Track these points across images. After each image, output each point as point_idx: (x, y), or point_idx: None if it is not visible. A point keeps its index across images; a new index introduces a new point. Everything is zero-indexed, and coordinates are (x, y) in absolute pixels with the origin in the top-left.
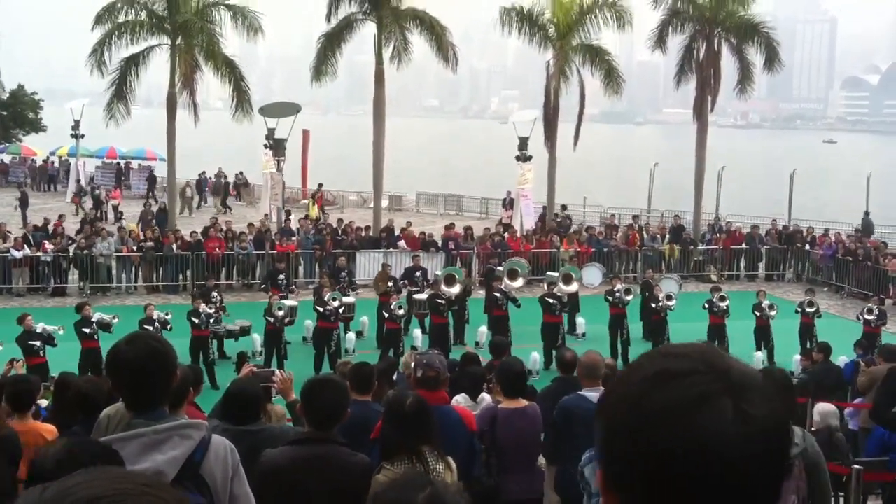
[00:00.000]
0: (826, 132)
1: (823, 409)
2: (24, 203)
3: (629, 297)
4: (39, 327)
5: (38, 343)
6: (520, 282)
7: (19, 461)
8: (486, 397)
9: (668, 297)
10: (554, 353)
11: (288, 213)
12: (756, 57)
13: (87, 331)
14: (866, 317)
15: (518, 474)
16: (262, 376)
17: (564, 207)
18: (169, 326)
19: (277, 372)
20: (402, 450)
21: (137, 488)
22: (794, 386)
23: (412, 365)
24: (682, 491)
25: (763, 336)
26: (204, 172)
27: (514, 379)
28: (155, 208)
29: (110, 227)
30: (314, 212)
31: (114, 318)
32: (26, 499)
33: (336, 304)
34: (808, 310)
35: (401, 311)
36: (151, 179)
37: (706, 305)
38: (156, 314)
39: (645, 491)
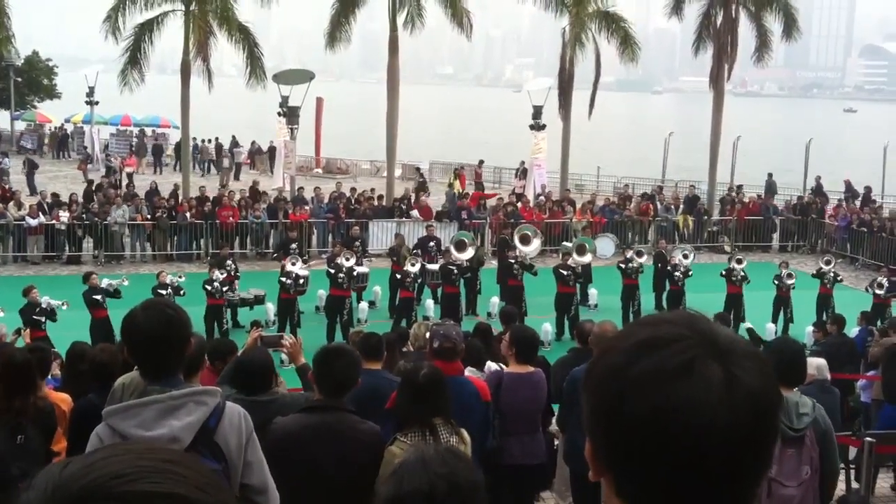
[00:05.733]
0: (843, 101)
1: (816, 361)
2: (31, 171)
3: (641, 259)
4: (44, 301)
5: (42, 318)
6: (534, 244)
7: (54, 434)
8: (491, 366)
9: (685, 256)
10: (567, 323)
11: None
12: (774, 24)
13: (97, 298)
14: (876, 290)
15: (520, 439)
16: (270, 341)
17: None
18: (182, 292)
19: (286, 336)
20: (416, 422)
21: (159, 465)
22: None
23: (428, 336)
24: (671, 457)
25: (783, 306)
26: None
27: (527, 344)
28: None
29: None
30: (456, 186)
31: (122, 280)
32: (47, 475)
33: (348, 263)
34: (826, 278)
35: (415, 267)
36: (160, 148)
37: (724, 273)
38: (169, 279)
39: (634, 461)
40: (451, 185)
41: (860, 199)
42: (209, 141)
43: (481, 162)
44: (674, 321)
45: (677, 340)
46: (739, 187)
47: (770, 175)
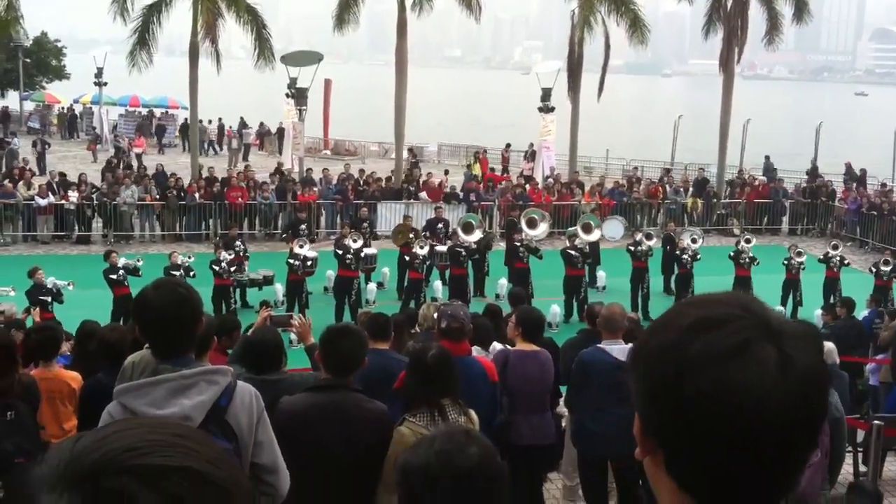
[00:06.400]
0: (854, 85)
1: (826, 345)
2: (42, 150)
3: (650, 242)
4: (50, 282)
5: (48, 298)
6: (541, 228)
7: (38, 407)
8: (496, 346)
9: (693, 240)
10: (576, 305)
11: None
12: (784, 7)
13: (114, 277)
14: (882, 268)
15: (528, 417)
16: (280, 321)
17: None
18: (192, 273)
19: (295, 316)
20: (424, 402)
21: (170, 439)
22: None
23: (436, 316)
24: (725, 437)
25: (792, 289)
26: (221, 119)
27: (533, 323)
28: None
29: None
30: (476, 169)
31: (138, 260)
32: (59, 450)
33: (356, 245)
34: (832, 261)
35: (423, 249)
36: (163, 128)
37: (731, 255)
38: (180, 259)
39: (687, 440)
40: (469, 167)
41: (856, 181)
42: (209, 122)
43: (508, 145)
44: (727, 302)
45: (731, 321)
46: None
47: (767, 157)
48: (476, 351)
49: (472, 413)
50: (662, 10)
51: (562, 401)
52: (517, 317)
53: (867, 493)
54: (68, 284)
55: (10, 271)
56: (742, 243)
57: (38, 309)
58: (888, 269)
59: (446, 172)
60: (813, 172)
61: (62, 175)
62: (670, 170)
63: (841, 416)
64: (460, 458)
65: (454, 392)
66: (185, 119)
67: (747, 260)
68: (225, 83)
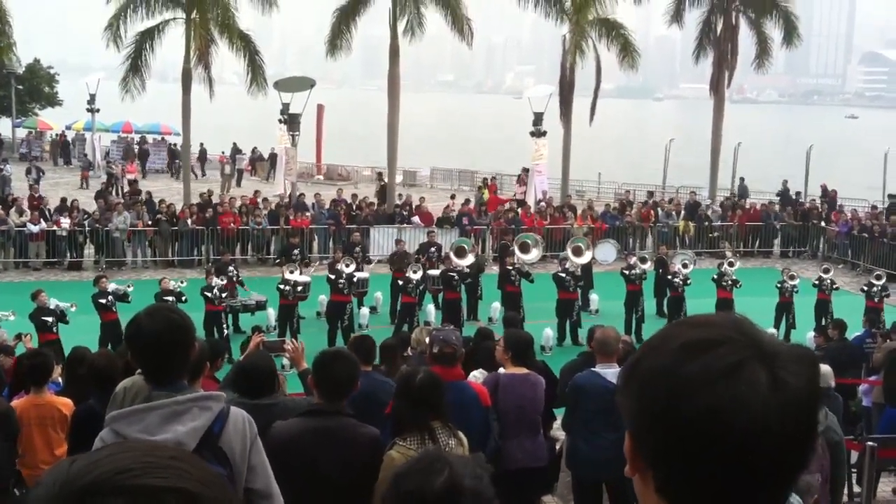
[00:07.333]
0: (844, 108)
1: (822, 369)
2: (38, 178)
3: (645, 266)
4: (52, 303)
5: (50, 319)
6: (533, 253)
7: (16, 437)
8: (502, 372)
9: (685, 265)
10: (569, 328)
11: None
12: (774, 31)
13: (103, 302)
14: (875, 282)
15: (520, 440)
16: (272, 347)
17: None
18: (184, 298)
19: (288, 341)
20: (414, 426)
21: (164, 461)
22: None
23: (427, 341)
24: (716, 457)
25: (785, 312)
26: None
27: (523, 346)
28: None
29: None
30: (486, 194)
31: (129, 286)
32: (54, 471)
33: (349, 269)
34: (824, 284)
35: (417, 274)
36: (172, 154)
37: (714, 278)
38: (171, 285)
39: (679, 461)
40: (479, 189)
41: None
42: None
43: (526, 170)
44: (720, 323)
45: (725, 342)
46: (797, 193)
47: (742, 179)
48: (480, 374)
49: (462, 436)
50: (653, 35)
51: (556, 423)
52: (505, 340)
53: None
54: (71, 306)
55: (2, 297)
56: (725, 266)
57: (30, 336)
58: (880, 283)
59: (453, 197)
60: (784, 194)
61: (63, 200)
62: (653, 193)
63: (840, 440)
64: (441, 483)
65: (443, 415)
66: (171, 145)
67: (729, 283)
68: (218, 109)
